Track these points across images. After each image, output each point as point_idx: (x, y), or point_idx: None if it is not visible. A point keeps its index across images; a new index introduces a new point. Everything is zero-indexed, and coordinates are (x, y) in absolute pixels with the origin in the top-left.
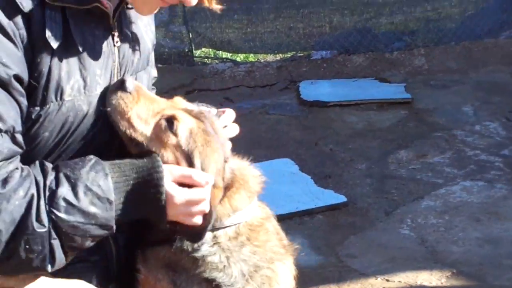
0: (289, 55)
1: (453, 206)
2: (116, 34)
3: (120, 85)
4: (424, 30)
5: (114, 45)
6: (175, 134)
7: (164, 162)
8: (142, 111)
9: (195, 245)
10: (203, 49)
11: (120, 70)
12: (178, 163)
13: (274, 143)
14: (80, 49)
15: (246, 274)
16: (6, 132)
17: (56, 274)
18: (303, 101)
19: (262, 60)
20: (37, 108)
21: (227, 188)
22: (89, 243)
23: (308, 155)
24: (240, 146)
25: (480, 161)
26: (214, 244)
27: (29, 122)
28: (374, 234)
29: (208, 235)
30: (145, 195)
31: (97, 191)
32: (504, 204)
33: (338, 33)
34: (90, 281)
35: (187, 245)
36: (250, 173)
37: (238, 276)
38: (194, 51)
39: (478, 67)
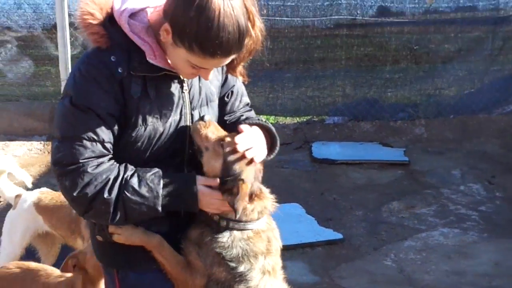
0: (305, 119)
1: (430, 246)
2: (185, 84)
3: (201, 118)
4: (425, 104)
5: (183, 92)
6: (223, 149)
7: (214, 166)
8: (209, 133)
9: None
10: None
11: (191, 105)
12: (222, 168)
13: (286, 191)
14: (152, 98)
15: (240, 256)
16: (97, 141)
17: (140, 224)
18: (314, 158)
19: (281, 122)
20: (130, 130)
21: (252, 196)
22: (145, 217)
23: (314, 202)
24: None
25: (460, 214)
26: (230, 234)
27: (128, 137)
28: (362, 263)
29: (228, 231)
30: (182, 194)
31: (152, 186)
32: (473, 247)
33: (349, 102)
34: (165, 230)
35: (208, 230)
36: (269, 197)
37: (235, 256)
38: None
39: (471, 138)
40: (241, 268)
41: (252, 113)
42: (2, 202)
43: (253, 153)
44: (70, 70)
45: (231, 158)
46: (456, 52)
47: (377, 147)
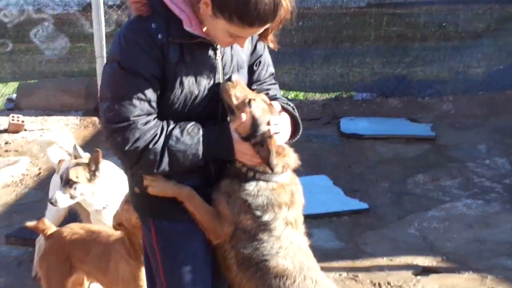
0: (333, 95)
1: (453, 216)
2: (218, 51)
3: (228, 79)
4: (453, 80)
5: (216, 58)
6: (250, 107)
7: (241, 122)
8: (237, 92)
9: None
10: None
11: (223, 70)
12: (248, 123)
13: (314, 164)
14: (188, 63)
15: (265, 205)
16: (145, 100)
17: (174, 178)
18: (342, 133)
19: (310, 99)
20: (168, 93)
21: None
22: (187, 164)
23: (342, 174)
24: None
25: (484, 186)
26: (256, 184)
27: (166, 99)
28: (386, 231)
29: (254, 181)
30: (220, 141)
31: (192, 134)
32: (495, 217)
33: (378, 79)
34: (196, 184)
35: (237, 181)
36: (293, 155)
37: (260, 204)
38: None
39: (499, 114)
40: (266, 217)
41: (276, 87)
42: (42, 173)
43: (278, 138)
44: (104, 48)
45: (259, 116)
46: (485, 29)
47: (404, 122)
